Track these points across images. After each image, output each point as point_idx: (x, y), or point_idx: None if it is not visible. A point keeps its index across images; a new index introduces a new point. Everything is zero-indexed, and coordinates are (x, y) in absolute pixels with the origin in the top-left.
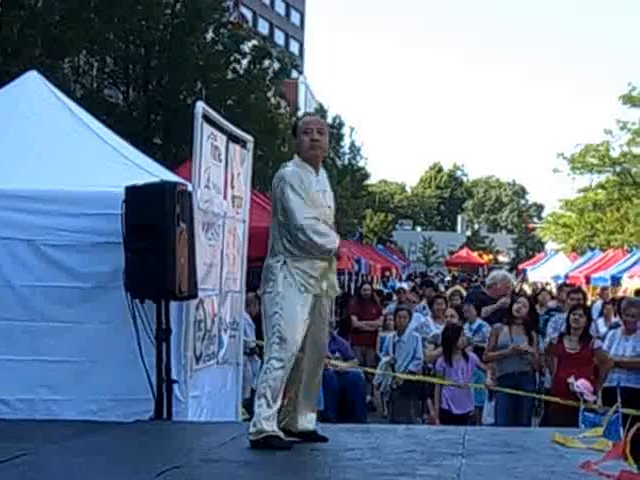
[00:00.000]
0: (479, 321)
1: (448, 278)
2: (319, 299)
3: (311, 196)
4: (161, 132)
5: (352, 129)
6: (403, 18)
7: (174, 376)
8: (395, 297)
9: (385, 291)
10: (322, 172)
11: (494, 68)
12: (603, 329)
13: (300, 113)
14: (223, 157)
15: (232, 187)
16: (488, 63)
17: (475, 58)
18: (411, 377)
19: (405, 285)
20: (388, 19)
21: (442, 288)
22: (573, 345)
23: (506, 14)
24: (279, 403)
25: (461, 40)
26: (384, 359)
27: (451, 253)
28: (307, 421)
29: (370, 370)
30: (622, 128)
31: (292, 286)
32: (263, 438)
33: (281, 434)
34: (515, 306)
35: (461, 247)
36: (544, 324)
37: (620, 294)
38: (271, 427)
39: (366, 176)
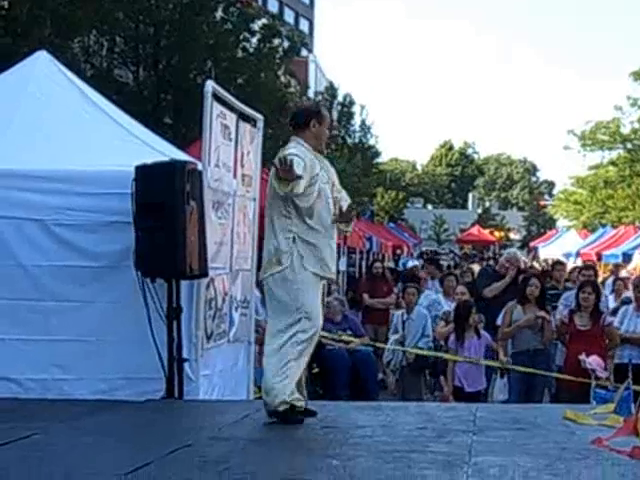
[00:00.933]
0: None
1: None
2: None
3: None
4: (171, 111)
5: (362, 107)
6: None
7: (185, 355)
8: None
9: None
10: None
11: (505, 45)
12: (613, 304)
13: (310, 92)
14: (233, 136)
15: (242, 166)
16: (499, 40)
17: (485, 34)
18: (424, 352)
19: (417, 263)
20: None
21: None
22: (584, 322)
23: None
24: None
25: (470, 15)
26: (393, 337)
27: (462, 231)
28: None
29: (381, 345)
30: (633, 105)
31: (305, 267)
32: (283, 410)
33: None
34: (528, 289)
35: (472, 225)
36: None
37: (623, 273)
38: (290, 398)
39: (377, 154)
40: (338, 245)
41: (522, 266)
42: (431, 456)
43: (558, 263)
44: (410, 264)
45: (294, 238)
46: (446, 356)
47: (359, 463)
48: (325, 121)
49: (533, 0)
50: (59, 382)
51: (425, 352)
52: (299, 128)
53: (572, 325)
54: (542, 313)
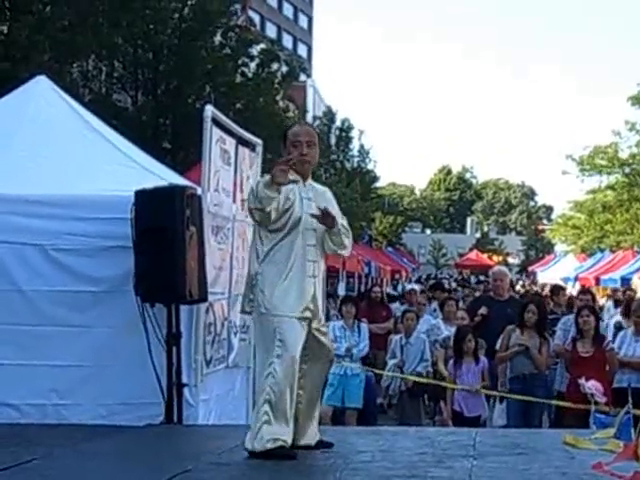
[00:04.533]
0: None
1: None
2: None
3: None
4: (170, 136)
5: (361, 132)
6: (406, 17)
7: (184, 380)
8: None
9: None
10: (312, 182)
11: (502, 70)
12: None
13: (309, 116)
14: (232, 160)
15: (241, 191)
16: (496, 64)
17: (483, 60)
18: (421, 379)
19: (416, 286)
20: (394, 20)
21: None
22: (587, 348)
23: (509, 15)
24: (286, 412)
25: (465, 42)
26: (391, 362)
27: (461, 255)
28: (312, 435)
29: (379, 372)
30: (631, 129)
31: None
32: (265, 451)
33: (284, 444)
34: (525, 316)
35: (471, 249)
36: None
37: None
38: (273, 438)
39: (375, 179)
40: (336, 270)
41: (506, 283)
42: None
43: (559, 288)
44: (408, 287)
45: (257, 272)
46: (442, 383)
47: None
48: (287, 139)
49: (530, 20)
50: (58, 407)
51: (424, 380)
52: None
53: (574, 352)
54: (523, 340)
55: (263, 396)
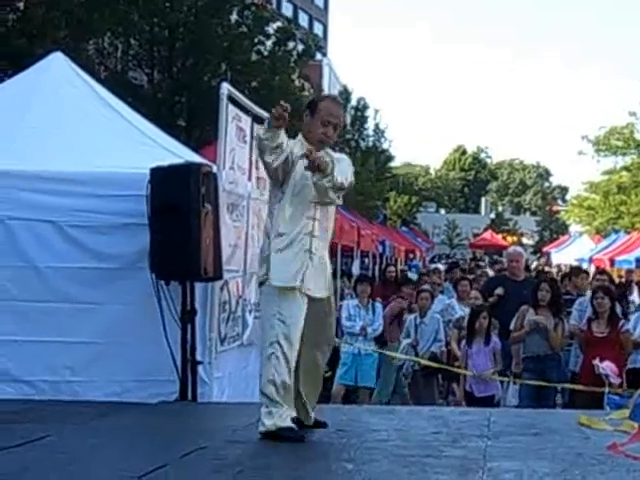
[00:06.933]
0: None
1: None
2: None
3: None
4: (186, 114)
5: (376, 111)
6: None
7: (199, 357)
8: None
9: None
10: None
11: (518, 50)
12: None
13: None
14: (248, 138)
15: (257, 168)
16: (510, 46)
17: (499, 40)
18: (432, 364)
19: (440, 266)
20: None
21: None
22: (601, 329)
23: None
24: (289, 393)
25: (481, 23)
26: (405, 341)
27: (475, 235)
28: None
29: (391, 354)
30: None
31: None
32: (275, 431)
33: (293, 425)
34: (539, 294)
35: (485, 229)
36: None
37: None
38: (282, 421)
39: (390, 158)
40: (351, 249)
41: (522, 264)
42: (446, 461)
43: (579, 270)
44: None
45: (269, 243)
46: (454, 369)
47: (374, 467)
48: (318, 112)
49: (551, 12)
50: (72, 384)
51: (435, 364)
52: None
53: (589, 332)
54: (538, 318)
55: (267, 378)
